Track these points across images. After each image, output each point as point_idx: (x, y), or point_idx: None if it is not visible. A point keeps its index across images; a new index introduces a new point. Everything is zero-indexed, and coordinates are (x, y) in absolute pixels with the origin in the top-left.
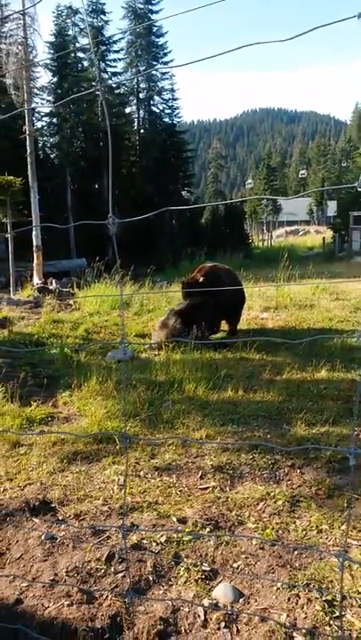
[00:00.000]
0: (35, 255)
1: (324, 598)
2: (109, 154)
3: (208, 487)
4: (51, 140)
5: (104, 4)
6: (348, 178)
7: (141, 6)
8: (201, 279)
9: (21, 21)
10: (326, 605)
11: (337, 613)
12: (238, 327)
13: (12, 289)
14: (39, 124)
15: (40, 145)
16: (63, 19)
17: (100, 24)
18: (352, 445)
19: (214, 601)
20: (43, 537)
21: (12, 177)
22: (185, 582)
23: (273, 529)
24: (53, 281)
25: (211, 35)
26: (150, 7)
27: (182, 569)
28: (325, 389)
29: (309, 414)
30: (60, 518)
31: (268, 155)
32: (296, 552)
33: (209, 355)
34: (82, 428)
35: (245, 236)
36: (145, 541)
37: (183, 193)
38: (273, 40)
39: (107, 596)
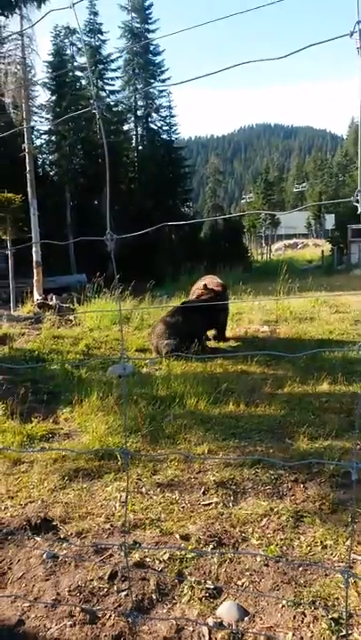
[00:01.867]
0: (35, 271)
1: (330, 616)
2: (106, 171)
3: (211, 503)
4: (50, 157)
5: (101, 23)
6: (346, 191)
7: (138, 26)
8: (219, 289)
9: (20, 42)
10: (333, 623)
11: (344, 632)
12: (239, 340)
13: (12, 305)
14: (38, 142)
15: (39, 162)
16: (61, 38)
17: (97, 43)
18: (354, 460)
19: (219, 620)
20: (44, 556)
21: (11, 194)
22: (189, 600)
23: (277, 545)
24: (53, 297)
25: (207, 52)
26: (147, 26)
27: (186, 587)
28: (327, 402)
29: (312, 428)
30: (62, 536)
31: (265, 169)
32: (301, 568)
33: (210, 368)
34: (83, 444)
35: (245, 249)
36: (148, 559)
37: (182, 208)
38: (267, 58)
39: (110, 616)
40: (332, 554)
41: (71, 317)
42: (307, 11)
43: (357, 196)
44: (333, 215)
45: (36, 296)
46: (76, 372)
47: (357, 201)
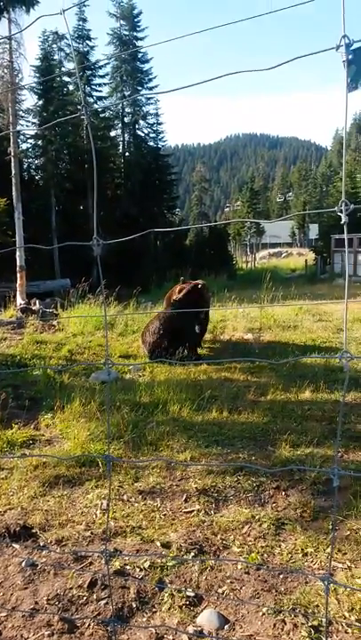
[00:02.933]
0: (18, 275)
1: (310, 624)
2: (94, 176)
3: (193, 511)
4: (36, 161)
5: (90, 30)
6: (330, 202)
7: (127, 33)
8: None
9: (7, 46)
10: (312, 631)
11: (324, 639)
12: (223, 347)
13: None
14: (24, 146)
15: (25, 166)
16: (49, 44)
17: (85, 49)
18: (335, 466)
19: (199, 628)
20: (23, 564)
21: None
22: (169, 609)
23: (258, 553)
24: (37, 301)
25: (195, 60)
26: (135, 34)
27: (166, 595)
28: (309, 410)
29: (294, 435)
30: (42, 544)
31: (251, 178)
32: (281, 576)
33: (193, 375)
34: (64, 450)
35: (229, 257)
36: (128, 567)
37: (168, 215)
38: (257, 69)
39: (89, 625)
40: (312, 561)
41: (54, 322)
42: (295, 23)
43: (341, 205)
44: (317, 225)
45: (19, 300)
46: (58, 377)
47: (341, 211)
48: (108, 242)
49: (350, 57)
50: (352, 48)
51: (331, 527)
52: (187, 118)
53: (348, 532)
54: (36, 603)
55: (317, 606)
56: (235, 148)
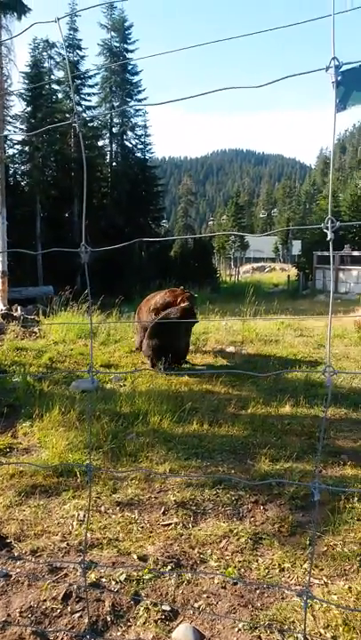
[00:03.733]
0: (0, 281)
1: None
2: (84, 184)
3: (171, 524)
4: (22, 167)
5: (80, 39)
6: (312, 219)
7: (117, 45)
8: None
9: None
10: None
11: None
12: (204, 360)
13: None
14: (11, 152)
15: (11, 172)
16: (39, 51)
17: (75, 59)
18: (316, 481)
19: None
20: None
21: None
22: (144, 623)
23: (235, 567)
24: (19, 308)
25: (184, 75)
26: (126, 46)
27: (142, 609)
28: (289, 425)
29: (273, 450)
30: (16, 554)
31: (236, 193)
32: (258, 591)
33: (175, 387)
34: (42, 459)
35: (213, 270)
36: (104, 579)
37: (153, 226)
38: (248, 86)
39: (62, 638)
40: (289, 577)
41: (36, 329)
42: (285, 41)
43: (327, 222)
44: (300, 241)
45: (0, 306)
46: (38, 385)
47: (327, 227)
48: (95, 249)
49: (339, 78)
50: (341, 70)
51: (308, 543)
52: (175, 131)
53: (326, 548)
54: (9, 615)
55: (293, 622)
56: (221, 163)
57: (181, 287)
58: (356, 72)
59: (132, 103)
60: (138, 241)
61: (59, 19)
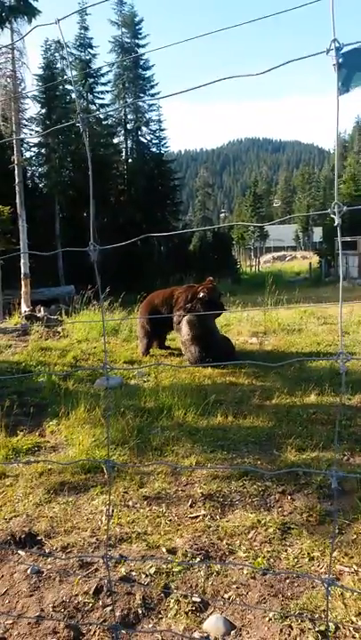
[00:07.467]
0: (22, 283)
1: (317, 629)
2: (90, 182)
3: (198, 516)
4: (39, 169)
5: (91, 38)
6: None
7: (128, 40)
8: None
9: (10, 55)
10: (320, 636)
11: None
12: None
13: None
14: (28, 154)
15: (29, 174)
16: (51, 52)
17: (87, 57)
18: (334, 468)
19: (205, 634)
20: (29, 571)
21: (0, 206)
22: (175, 615)
23: (264, 557)
24: (42, 308)
25: (197, 66)
26: (137, 41)
27: (172, 601)
28: (315, 414)
29: (299, 439)
30: (47, 551)
31: (254, 183)
32: (288, 581)
33: (198, 380)
34: (69, 457)
35: (233, 261)
36: (134, 573)
37: (171, 221)
38: (247, 74)
39: (95, 632)
40: (318, 565)
41: (59, 329)
42: (298, 25)
43: (335, 207)
44: (321, 228)
45: (24, 308)
46: (63, 384)
47: (335, 213)
48: (104, 247)
49: (340, 60)
50: (342, 52)
51: (335, 530)
52: (189, 124)
53: (355, 536)
54: (42, 610)
55: (324, 611)
56: (237, 153)
57: (210, 278)
58: (357, 53)
59: (145, 97)
60: (148, 236)
61: (59, 20)
